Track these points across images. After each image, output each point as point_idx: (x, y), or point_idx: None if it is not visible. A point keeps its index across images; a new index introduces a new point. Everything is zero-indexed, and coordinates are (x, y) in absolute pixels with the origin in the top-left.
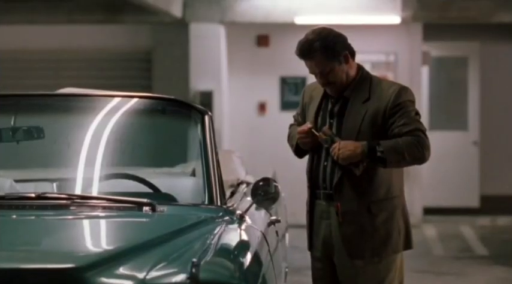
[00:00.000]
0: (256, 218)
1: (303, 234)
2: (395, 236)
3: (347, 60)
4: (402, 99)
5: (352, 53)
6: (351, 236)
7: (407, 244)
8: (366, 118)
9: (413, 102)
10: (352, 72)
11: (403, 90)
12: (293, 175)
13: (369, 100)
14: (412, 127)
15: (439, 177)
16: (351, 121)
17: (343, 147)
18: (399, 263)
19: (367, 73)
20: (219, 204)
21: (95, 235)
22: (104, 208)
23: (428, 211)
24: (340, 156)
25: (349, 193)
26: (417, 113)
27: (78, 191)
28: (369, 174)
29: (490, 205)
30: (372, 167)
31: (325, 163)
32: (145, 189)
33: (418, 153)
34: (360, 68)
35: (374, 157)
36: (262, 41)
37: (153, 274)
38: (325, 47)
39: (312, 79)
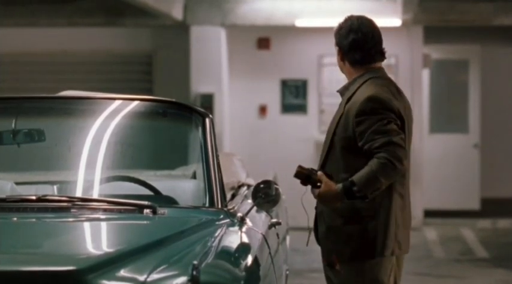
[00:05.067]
0: (257, 220)
1: (304, 237)
2: (359, 241)
3: (338, 53)
4: (365, 108)
5: (351, 59)
6: (321, 236)
7: (368, 253)
8: (341, 121)
9: (378, 108)
10: (346, 71)
11: (367, 100)
12: (294, 177)
13: (349, 102)
14: (381, 142)
15: (439, 179)
16: (332, 122)
17: (323, 198)
18: (368, 269)
19: (373, 75)
20: (219, 206)
21: (95, 237)
22: (105, 210)
23: (429, 214)
24: (321, 203)
25: None
26: (386, 121)
27: (79, 193)
28: (339, 178)
29: (491, 207)
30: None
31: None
32: (146, 192)
33: (393, 171)
34: (366, 70)
35: (353, 197)
36: (263, 43)
37: (154, 276)
38: (335, 31)
39: (312, 81)
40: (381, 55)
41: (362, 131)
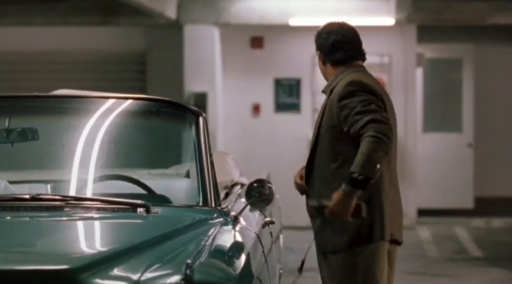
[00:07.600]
0: (251, 219)
1: (298, 236)
2: (351, 230)
3: (319, 57)
4: (346, 93)
5: (332, 59)
6: (316, 230)
7: (366, 238)
8: (325, 112)
9: (359, 91)
10: (328, 73)
11: (348, 84)
12: (287, 176)
13: (332, 93)
14: (364, 121)
15: (433, 178)
16: (318, 116)
17: (332, 213)
18: (361, 262)
19: (354, 70)
20: (213, 205)
21: (89, 236)
22: (98, 209)
23: (423, 213)
24: (333, 219)
25: (313, 188)
26: (367, 102)
27: (72, 192)
28: (329, 169)
29: (485, 206)
30: (327, 164)
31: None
32: (140, 191)
33: (381, 145)
34: (347, 68)
35: (360, 185)
36: (257, 42)
37: (148, 275)
38: (315, 38)
39: (305, 80)
40: (362, 55)
41: (346, 115)
